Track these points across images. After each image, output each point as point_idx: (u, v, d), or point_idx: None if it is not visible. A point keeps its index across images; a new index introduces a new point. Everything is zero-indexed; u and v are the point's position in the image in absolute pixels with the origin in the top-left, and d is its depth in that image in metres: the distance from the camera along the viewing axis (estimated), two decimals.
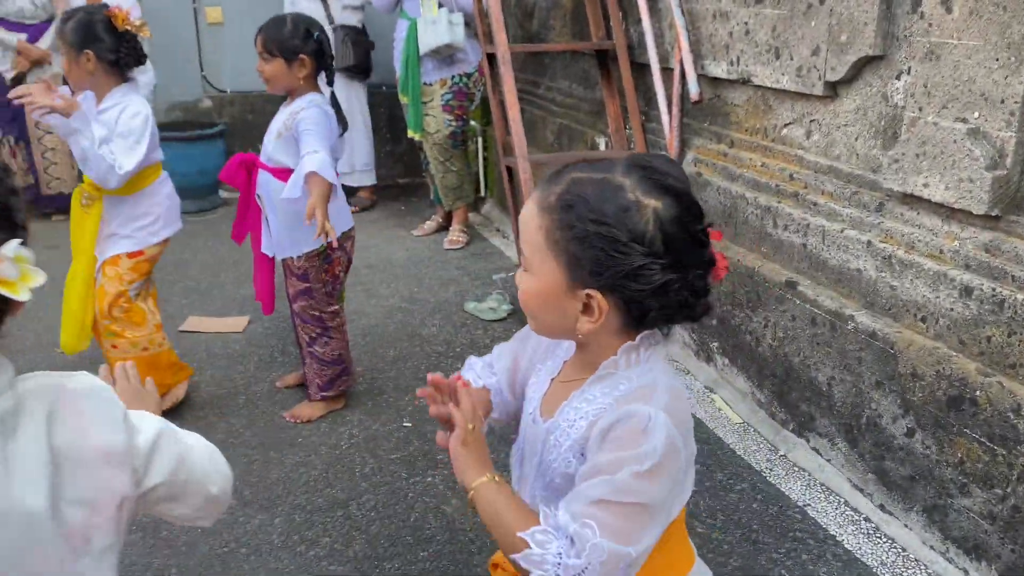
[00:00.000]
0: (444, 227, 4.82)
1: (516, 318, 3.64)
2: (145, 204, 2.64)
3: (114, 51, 2.47)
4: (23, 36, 4.71)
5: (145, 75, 5.26)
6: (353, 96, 5.20)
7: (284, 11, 5.14)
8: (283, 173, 2.52)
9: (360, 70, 5.09)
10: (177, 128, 5.25)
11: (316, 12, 5.01)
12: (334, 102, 2.57)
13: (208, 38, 5.45)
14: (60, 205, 4.80)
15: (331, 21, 5.00)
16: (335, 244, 2.46)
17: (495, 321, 3.64)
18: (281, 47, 2.43)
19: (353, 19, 5.06)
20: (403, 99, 4.57)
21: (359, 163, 5.34)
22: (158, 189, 2.69)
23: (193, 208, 5.22)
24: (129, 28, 2.47)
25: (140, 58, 2.52)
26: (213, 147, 5.26)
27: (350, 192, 5.43)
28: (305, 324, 2.73)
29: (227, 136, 5.52)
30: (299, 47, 2.44)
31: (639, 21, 3.46)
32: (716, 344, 3.02)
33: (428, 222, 4.90)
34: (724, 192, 3.00)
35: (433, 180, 4.73)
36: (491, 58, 3.58)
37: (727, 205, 2.98)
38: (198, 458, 1.03)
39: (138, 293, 2.71)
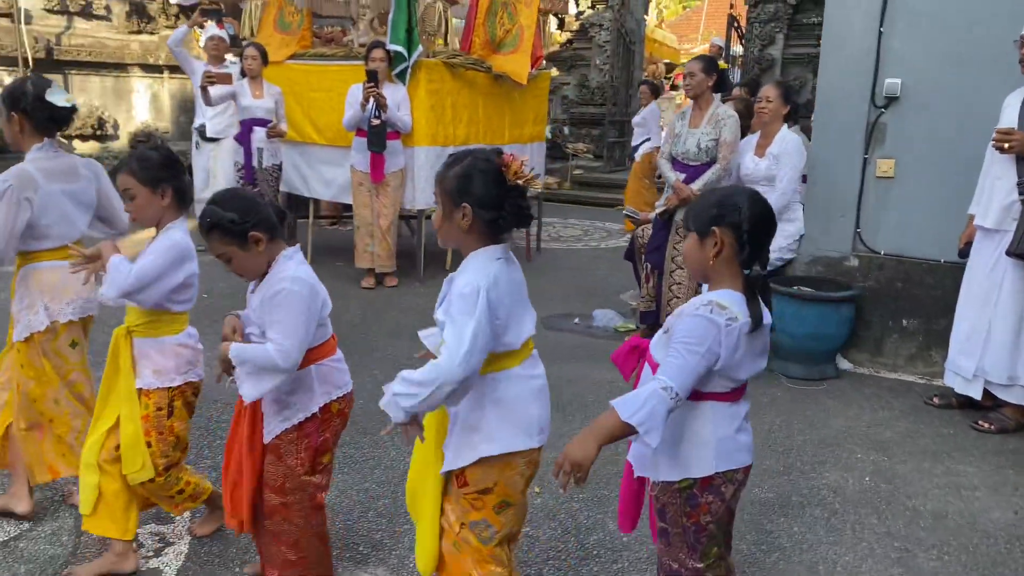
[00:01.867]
0: None
1: None
2: None
3: (496, 209, 1.97)
4: (682, 176, 4.94)
5: (793, 223, 4.97)
6: None
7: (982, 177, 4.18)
8: None
9: None
10: (812, 284, 4.79)
11: (1009, 175, 3.92)
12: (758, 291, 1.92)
13: (873, 192, 4.83)
14: None
15: None
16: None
17: None
18: (697, 222, 1.93)
19: None
20: None
21: None
22: None
23: (797, 374, 4.68)
24: (520, 182, 1.98)
25: (524, 220, 2.02)
26: (835, 312, 4.62)
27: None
28: None
29: (864, 303, 4.80)
30: (714, 219, 1.90)
31: None
32: None
33: None
34: None
35: None
36: None
37: None
38: None
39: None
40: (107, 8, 10.70)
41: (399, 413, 1.90)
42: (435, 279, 6.76)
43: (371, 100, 6.05)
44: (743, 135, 5.15)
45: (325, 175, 6.91)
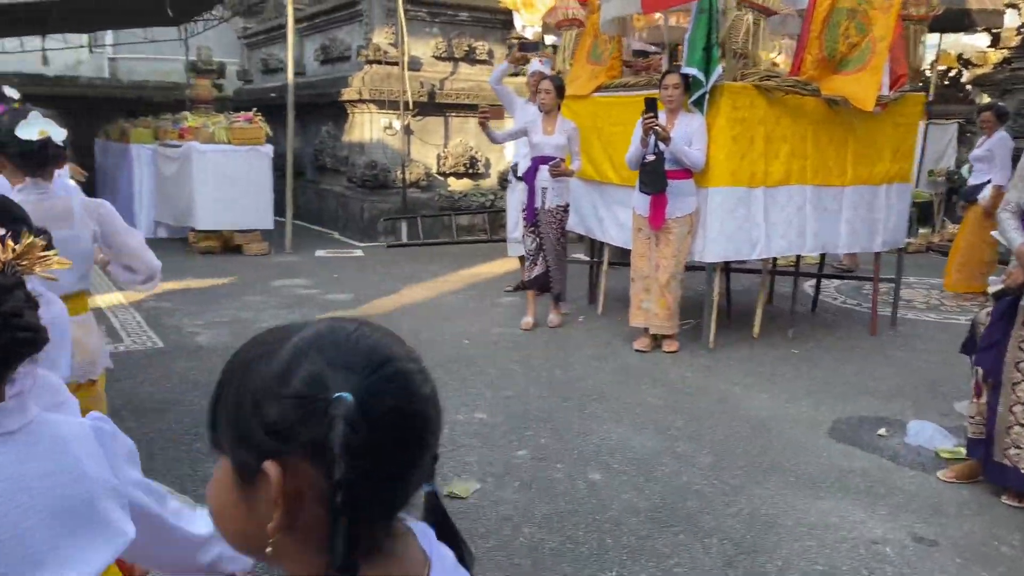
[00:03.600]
0: None
1: None
2: None
3: None
4: None
5: None
6: None
7: None
8: None
9: None
10: None
11: None
12: None
13: None
14: None
15: None
16: None
17: None
18: (231, 437, 0.76)
19: None
20: None
21: None
22: None
23: None
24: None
25: (21, 346, 1.00)
26: None
27: None
28: None
29: None
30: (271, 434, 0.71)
31: None
32: None
33: None
34: None
35: None
36: None
37: None
38: None
39: None
40: (489, 52, 11.26)
41: None
42: (730, 346, 5.59)
43: (651, 134, 5.17)
44: None
45: (619, 217, 6.14)
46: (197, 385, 4.65)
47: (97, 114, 12.98)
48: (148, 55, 15.31)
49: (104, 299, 6.73)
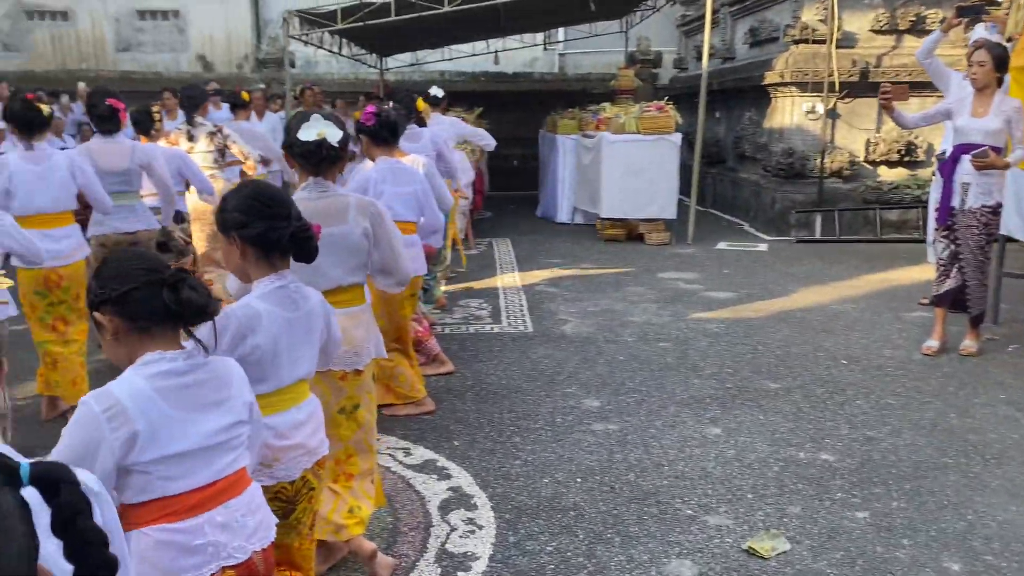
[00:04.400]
0: None
1: None
2: None
3: None
4: None
5: None
6: None
7: None
8: None
9: None
10: None
11: None
12: None
13: None
14: None
15: None
16: None
17: None
18: None
19: None
20: None
21: None
22: None
23: None
24: None
25: None
26: None
27: None
28: None
29: None
30: None
31: None
32: None
33: None
34: None
35: None
36: None
37: None
38: None
39: None
40: (942, 22, 9.61)
41: None
42: None
43: None
44: None
45: None
46: (542, 375, 4.70)
47: (548, 107, 14.03)
48: (593, 49, 16.17)
49: (502, 280, 7.24)
